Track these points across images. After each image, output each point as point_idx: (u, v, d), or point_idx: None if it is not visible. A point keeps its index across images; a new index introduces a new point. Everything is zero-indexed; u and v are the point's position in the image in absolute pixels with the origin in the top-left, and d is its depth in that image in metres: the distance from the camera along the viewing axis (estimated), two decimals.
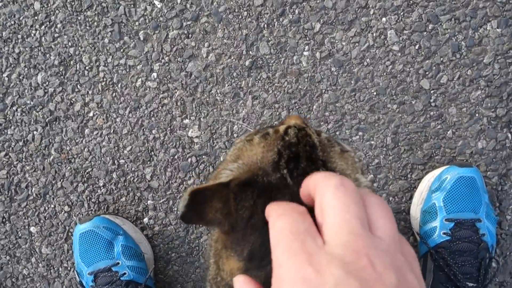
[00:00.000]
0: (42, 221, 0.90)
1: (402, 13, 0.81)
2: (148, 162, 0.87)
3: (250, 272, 0.42)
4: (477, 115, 0.83)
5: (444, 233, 0.76)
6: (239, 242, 0.40)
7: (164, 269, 0.91)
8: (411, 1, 0.80)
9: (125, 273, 0.79)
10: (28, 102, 0.86)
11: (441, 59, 0.81)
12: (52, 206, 0.89)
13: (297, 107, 0.84)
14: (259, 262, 0.40)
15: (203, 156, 0.87)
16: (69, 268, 0.92)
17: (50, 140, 0.87)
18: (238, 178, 0.40)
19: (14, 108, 0.86)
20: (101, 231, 0.80)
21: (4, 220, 0.90)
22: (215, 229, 0.45)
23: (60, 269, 0.92)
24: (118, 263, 0.80)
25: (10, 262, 0.92)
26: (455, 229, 0.76)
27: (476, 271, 0.75)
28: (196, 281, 0.91)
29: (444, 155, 0.84)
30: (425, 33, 0.81)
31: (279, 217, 0.29)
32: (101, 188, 0.88)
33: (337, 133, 0.85)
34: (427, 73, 0.82)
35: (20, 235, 0.91)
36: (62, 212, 0.90)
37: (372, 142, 0.84)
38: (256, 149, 0.44)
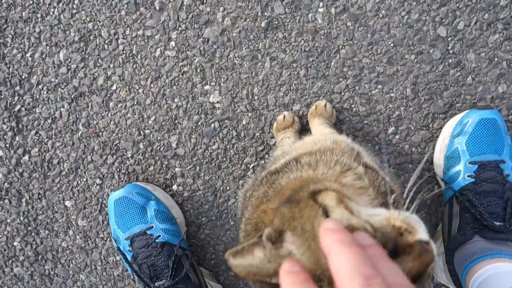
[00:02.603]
0: (76, 195, 0.95)
1: None
2: (173, 131, 0.91)
3: None
4: (496, 59, 0.84)
5: (468, 176, 0.79)
6: None
7: (196, 233, 0.96)
8: None
9: (159, 236, 0.84)
10: (53, 80, 0.90)
11: (457, 4, 0.82)
12: (84, 179, 0.94)
13: (315, 64, 0.86)
14: None
15: (226, 121, 0.90)
16: (105, 238, 0.97)
17: (77, 115, 0.91)
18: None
19: (40, 86, 0.90)
20: (134, 197, 0.84)
21: (40, 196, 0.95)
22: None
23: (97, 239, 0.97)
24: (152, 226, 0.84)
25: (49, 236, 0.97)
26: (479, 171, 0.78)
27: (502, 211, 0.77)
28: (227, 243, 0.96)
29: (464, 102, 0.86)
30: None
31: None
32: (130, 159, 0.93)
33: (356, 88, 0.87)
34: (443, 20, 0.83)
35: (56, 209, 0.96)
36: (94, 185, 0.94)
37: (392, 95, 0.86)
38: None
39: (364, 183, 0.50)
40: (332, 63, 0.86)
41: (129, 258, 0.85)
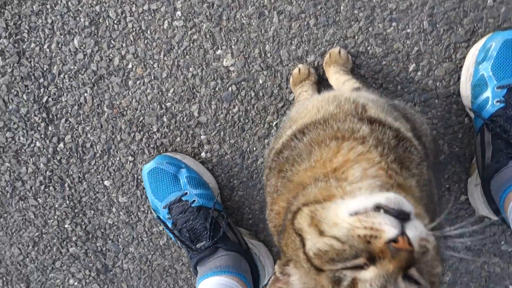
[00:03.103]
0: (112, 174, 1.00)
1: None
2: (193, 100, 0.93)
3: None
4: None
5: (497, 101, 0.76)
6: None
7: (230, 196, 0.99)
8: None
9: (194, 200, 0.87)
10: (72, 67, 0.93)
11: None
12: (118, 158, 0.98)
13: (324, 11, 0.84)
14: None
15: (242, 83, 0.90)
16: (146, 212, 1.02)
17: (100, 98, 0.94)
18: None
19: (62, 76, 0.94)
20: (165, 167, 0.88)
21: (80, 179, 1.01)
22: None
23: (139, 213, 1.03)
24: (186, 193, 0.88)
25: (95, 216, 1.04)
26: (508, 94, 0.75)
27: None
28: (262, 201, 0.99)
29: (487, 26, 0.81)
30: None
31: None
32: (156, 133, 0.96)
33: (370, 29, 0.84)
34: None
35: (97, 190, 1.02)
36: (128, 163, 0.99)
37: (408, 30, 0.83)
38: None
39: (365, 148, 0.50)
40: (342, 7, 0.84)
41: (169, 225, 0.89)
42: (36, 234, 1.07)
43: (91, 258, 1.08)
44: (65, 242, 1.07)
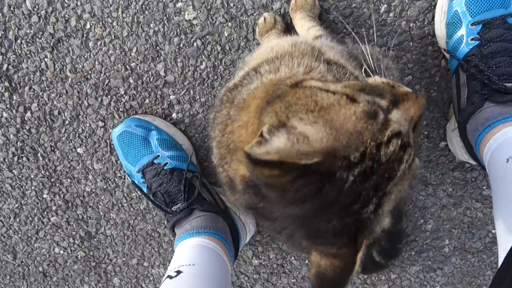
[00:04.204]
0: (84, 141, 0.98)
1: None
2: (157, 58, 0.88)
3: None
4: None
5: (472, 39, 0.72)
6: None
7: (206, 157, 0.97)
8: None
9: (167, 163, 0.85)
10: (28, 31, 0.88)
11: None
12: (88, 124, 0.96)
13: None
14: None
15: (207, 37, 0.86)
16: (123, 177, 1.01)
17: (62, 63, 0.90)
18: (320, 163, 0.37)
19: (19, 41, 0.89)
20: (134, 130, 0.85)
21: (52, 148, 0.99)
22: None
23: (116, 179, 1.01)
24: (158, 155, 0.86)
25: (72, 184, 1.03)
26: (483, 31, 0.71)
27: None
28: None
29: None
30: None
31: None
32: (124, 96, 0.92)
33: None
34: None
35: (71, 158, 1.00)
36: (98, 128, 0.96)
37: None
38: (351, 124, 0.39)
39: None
40: None
41: (144, 190, 0.88)
42: (16, 205, 1.06)
43: (73, 226, 1.07)
44: (45, 212, 1.06)
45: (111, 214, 1.05)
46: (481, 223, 1.00)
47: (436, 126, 0.89)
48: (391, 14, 0.80)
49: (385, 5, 0.80)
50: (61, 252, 1.11)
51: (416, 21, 0.80)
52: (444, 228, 1.01)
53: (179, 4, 0.83)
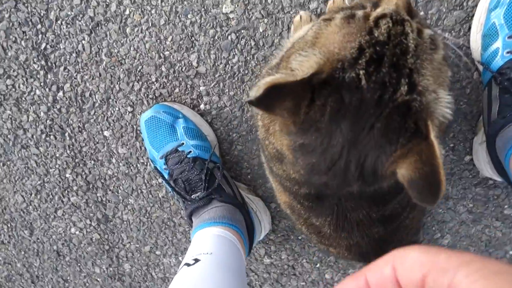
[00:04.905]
0: (112, 125, 1.00)
1: None
2: (191, 49, 0.90)
3: (297, 158, 0.44)
4: None
5: (508, 52, 0.71)
6: (297, 134, 0.41)
7: (229, 150, 0.98)
8: None
9: (190, 151, 0.86)
10: (69, 13, 0.91)
11: None
12: (117, 109, 0.98)
13: None
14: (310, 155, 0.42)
15: (242, 31, 0.87)
16: (145, 164, 1.02)
17: (98, 46, 0.93)
18: (319, 73, 0.37)
19: (59, 22, 0.92)
20: (162, 116, 0.87)
21: (80, 129, 1.01)
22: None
23: (138, 165, 1.03)
24: (183, 143, 0.87)
25: (95, 166, 1.04)
26: None
27: None
28: (260, 156, 0.97)
29: None
30: None
31: None
32: (155, 83, 0.94)
33: None
34: None
35: (97, 140, 1.02)
36: (127, 113, 0.98)
37: None
38: (335, 35, 0.39)
39: None
40: None
41: (166, 176, 0.89)
42: (39, 182, 1.08)
43: (91, 208, 1.09)
44: (66, 191, 1.08)
45: (129, 199, 1.07)
46: (499, 242, 0.99)
47: (462, 139, 0.89)
48: (427, 21, 0.81)
49: (422, 12, 0.80)
50: (77, 232, 1.13)
51: (452, 31, 0.81)
52: (461, 244, 1.00)
53: None
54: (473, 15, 0.78)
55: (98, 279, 1.19)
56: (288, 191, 0.62)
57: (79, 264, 1.18)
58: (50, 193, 1.09)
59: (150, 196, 1.06)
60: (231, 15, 0.86)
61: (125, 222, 1.10)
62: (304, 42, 0.42)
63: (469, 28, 0.80)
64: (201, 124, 0.93)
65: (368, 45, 0.38)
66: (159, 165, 0.90)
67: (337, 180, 0.43)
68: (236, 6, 0.85)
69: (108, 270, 1.17)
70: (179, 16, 0.88)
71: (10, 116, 1.02)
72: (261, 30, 0.86)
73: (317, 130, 0.39)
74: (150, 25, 0.90)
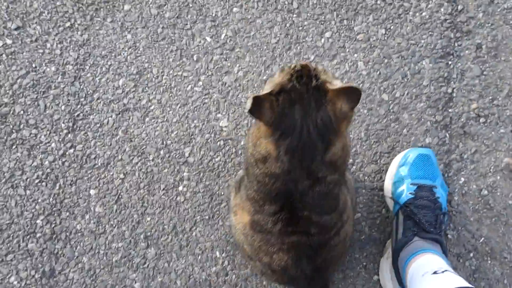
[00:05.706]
0: (100, 185, 0.90)
1: (367, 51, 0.95)
2: (188, 143, 0.91)
3: (279, 142, 0.56)
4: (422, 119, 0.90)
5: (410, 193, 0.78)
6: (276, 128, 0.55)
7: (189, 230, 0.88)
8: (372, 44, 0.95)
9: None
10: (110, 97, 0.94)
11: (394, 81, 0.93)
12: (111, 173, 0.90)
13: None
14: (286, 136, 0.55)
15: (229, 140, 0.91)
16: (114, 225, 0.88)
17: (120, 124, 0.92)
18: (274, 89, 0.56)
19: (99, 101, 0.94)
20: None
21: (72, 183, 0.90)
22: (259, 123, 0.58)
23: (107, 226, 0.88)
24: None
25: (68, 218, 0.89)
26: (417, 190, 0.78)
27: (434, 220, 0.74)
28: (214, 241, 0.87)
29: (402, 146, 0.89)
30: (382, 64, 0.94)
31: None
32: (150, 161, 0.91)
33: None
34: (386, 90, 0.92)
35: (81, 196, 0.90)
36: (118, 179, 0.90)
37: (351, 135, 0.90)
38: (279, 77, 0.59)
39: None
40: None
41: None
42: (7, 222, 0.89)
43: (43, 259, 0.87)
44: (28, 236, 0.88)
45: (84, 258, 0.87)
46: None
47: (372, 260, 0.86)
48: (354, 167, 0.89)
49: (351, 160, 0.89)
50: (15, 283, 0.86)
51: (369, 176, 0.88)
52: None
53: (219, 115, 0.92)
54: (383, 170, 0.88)
55: None
56: (255, 204, 0.62)
57: None
58: (11, 235, 0.88)
59: (104, 258, 0.87)
60: (224, 128, 0.92)
61: (68, 281, 0.86)
62: (267, 86, 0.60)
63: (381, 177, 0.88)
64: None
65: (294, 72, 0.57)
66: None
67: (306, 150, 0.55)
68: (230, 123, 0.92)
69: None
70: (188, 119, 0.92)
71: (17, 158, 0.91)
72: (242, 143, 0.91)
73: (284, 115, 0.54)
74: (164, 120, 0.93)
